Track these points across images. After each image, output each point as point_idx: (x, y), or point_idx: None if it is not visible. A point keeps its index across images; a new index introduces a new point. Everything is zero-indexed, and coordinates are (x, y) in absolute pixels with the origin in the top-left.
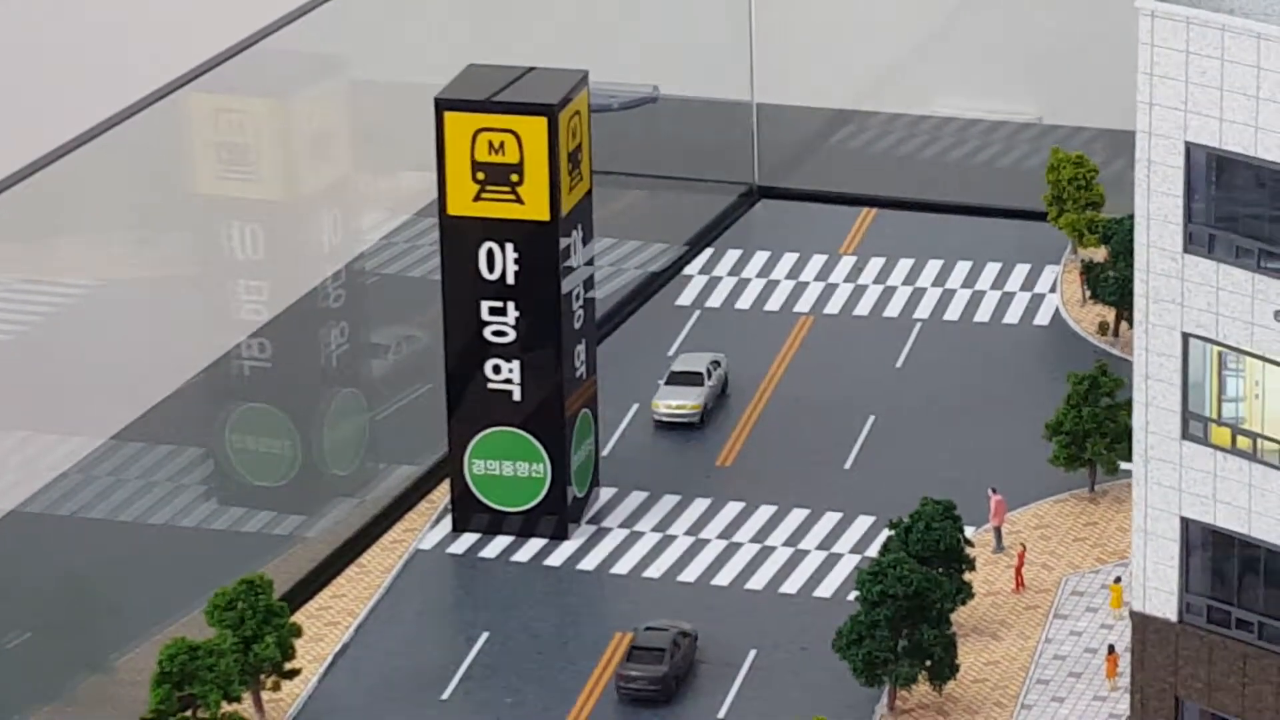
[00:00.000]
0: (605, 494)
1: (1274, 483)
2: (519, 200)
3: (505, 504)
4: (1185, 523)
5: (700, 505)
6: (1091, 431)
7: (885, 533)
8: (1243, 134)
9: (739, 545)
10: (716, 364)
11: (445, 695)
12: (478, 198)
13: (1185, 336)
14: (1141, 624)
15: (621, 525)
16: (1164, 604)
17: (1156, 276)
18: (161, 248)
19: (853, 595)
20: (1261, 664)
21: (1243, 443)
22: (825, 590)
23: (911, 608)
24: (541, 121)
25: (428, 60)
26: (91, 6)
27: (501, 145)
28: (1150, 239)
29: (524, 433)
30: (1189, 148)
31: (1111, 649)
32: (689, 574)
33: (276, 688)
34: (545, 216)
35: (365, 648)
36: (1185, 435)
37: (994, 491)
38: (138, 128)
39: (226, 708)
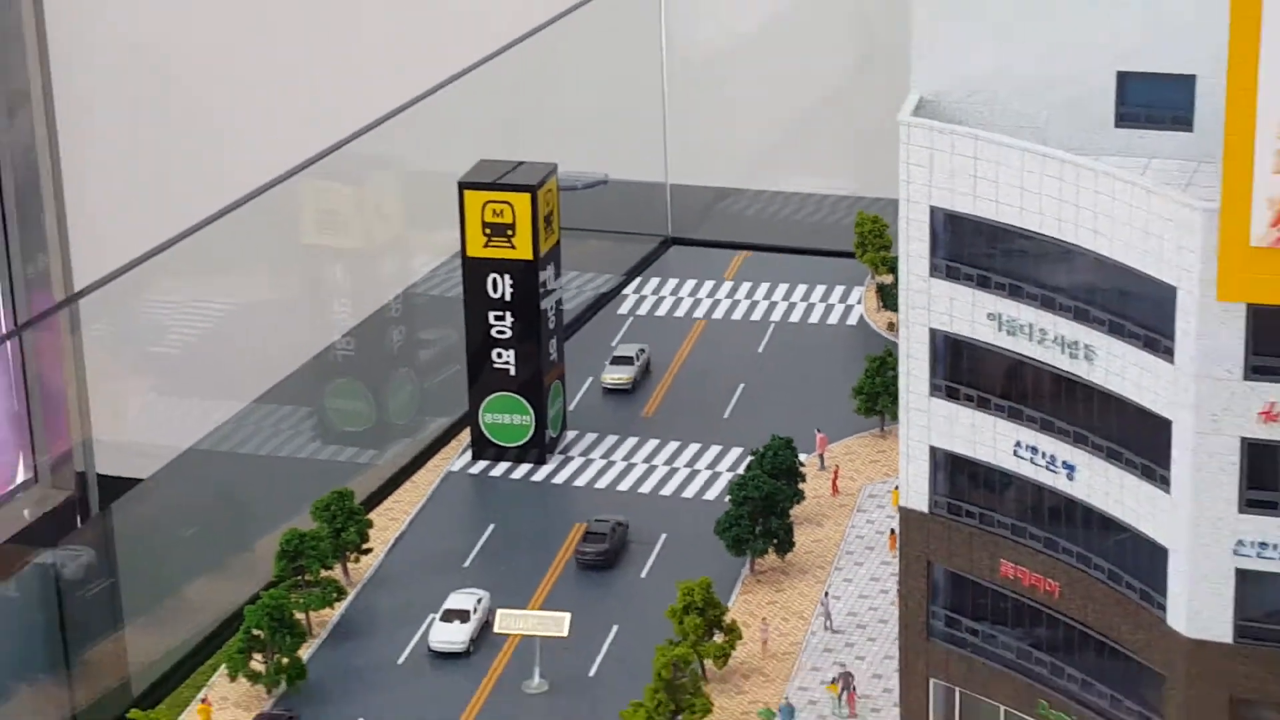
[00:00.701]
0: (570, 435)
1: (986, 423)
2: (513, 246)
3: (505, 442)
4: (932, 450)
5: (631, 442)
6: (881, 392)
7: (749, 458)
8: (966, 200)
9: (656, 467)
10: (643, 351)
11: (465, 564)
12: (486, 245)
13: (931, 331)
14: (906, 515)
15: (580, 455)
16: (919, 502)
17: (913, 292)
18: (284, 278)
19: (727, 498)
20: (981, 540)
21: (966, 396)
22: (710, 495)
23: (764, 506)
24: (527, 196)
25: (452, 157)
26: (239, 122)
27: (501, 211)
28: (910, 268)
29: (518, 396)
30: (932, 209)
31: (893, 531)
32: (623, 485)
33: (356, 561)
34: (530, 257)
35: (414, 535)
36: (931, 393)
37: (819, 431)
38: (270, 200)
39: (324, 574)
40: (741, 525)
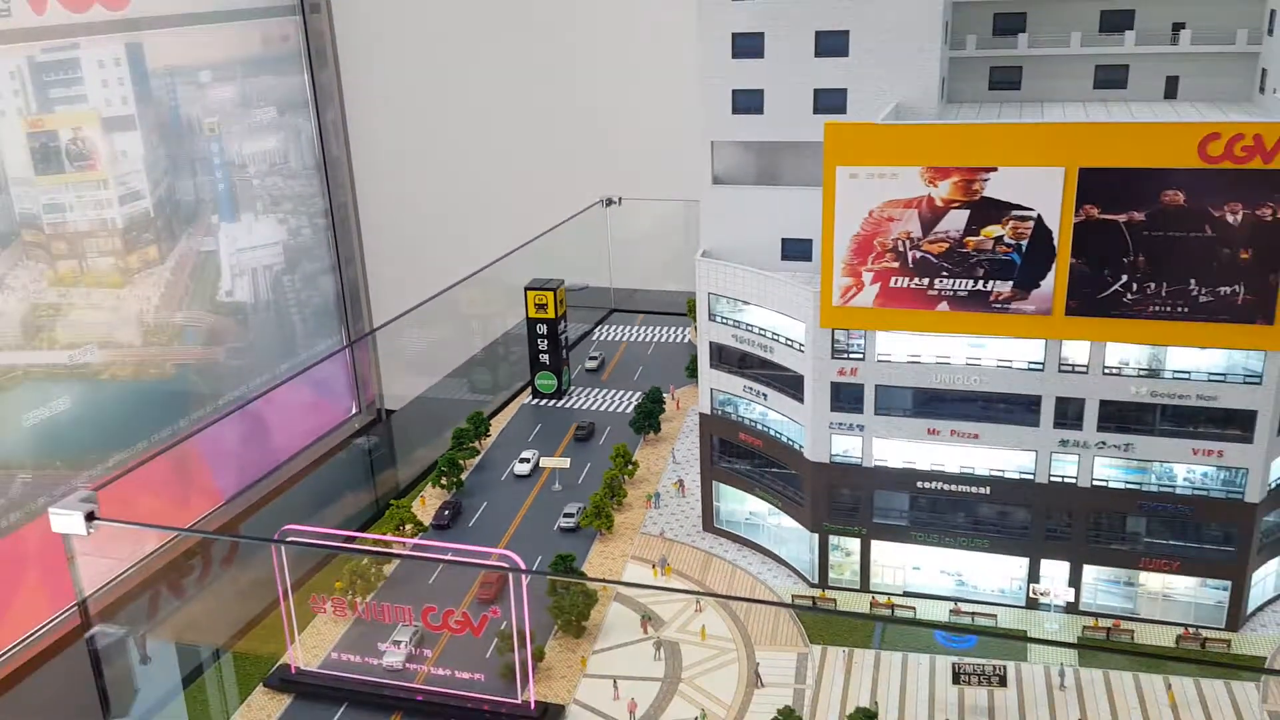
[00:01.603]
0: (573, 390)
1: (732, 379)
2: (548, 314)
3: (546, 391)
4: (710, 389)
5: (599, 390)
6: (694, 368)
7: (639, 397)
8: (723, 288)
9: (608, 400)
10: (602, 355)
11: (529, 439)
12: (536, 313)
13: (710, 342)
14: (702, 415)
15: (577, 397)
16: (708, 409)
17: (704, 325)
18: (461, 323)
19: (634, 410)
20: (731, 423)
21: (723, 369)
22: (628, 411)
23: (648, 414)
24: (552, 294)
25: (519, 277)
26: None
27: (544, 301)
28: (704, 318)
29: (550, 371)
30: (709, 294)
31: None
32: (594, 408)
33: (485, 438)
34: (554, 317)
35: (509, 430)
36: (710, 366)
37: (673, 387)
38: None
39: (471, 445)
40: (639, 422)
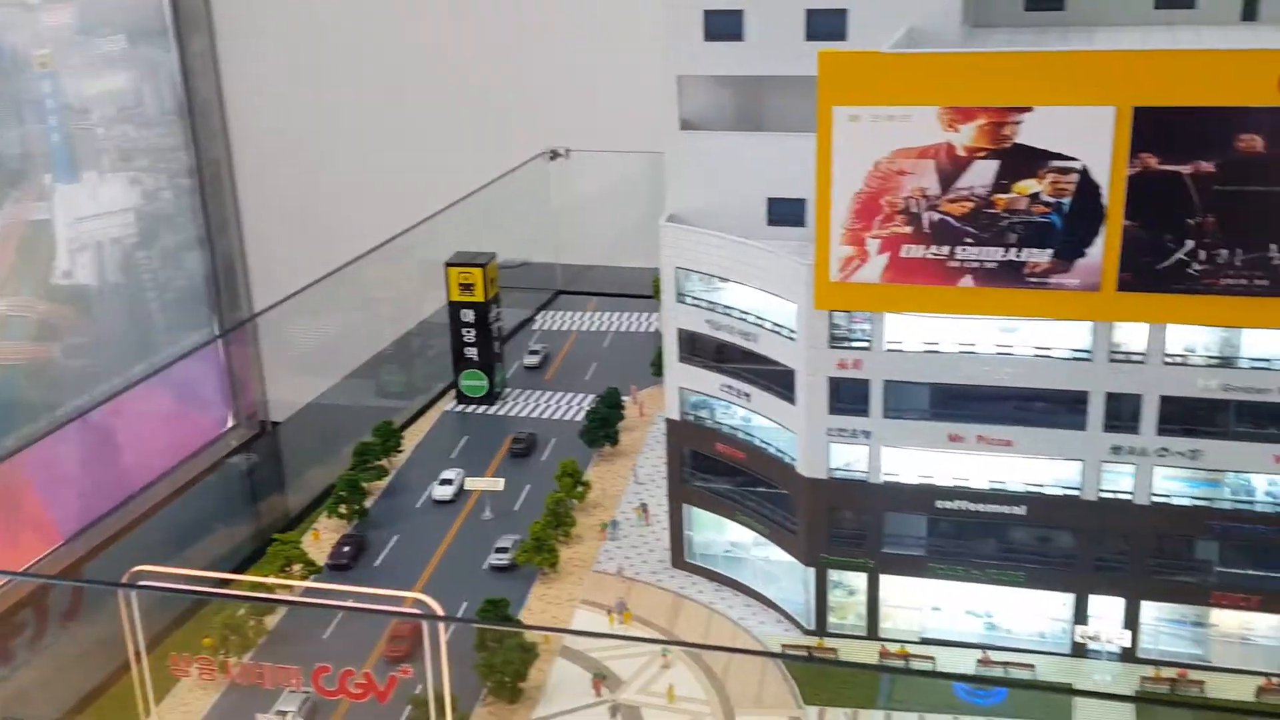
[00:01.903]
0: (507, 390)
1: (705, 374)
2: (476, 296)
3: (473, 395)
4: (679, 387)
5: (538, 393)
6: (661, 362)
7: (594, 399)
8: (694, 263)
9: (550, 405)
10: (545, 348)
11: (452, 456)
12: (460, 294)
13: (678, 329)
14: (670, 422)
15: (513, 401)
16: (675, 414)
17: (669, 310)
18: (361, 311)
19: (585, 419)
20: (706, 433)
21: (696, 363)
22: (578, 418)
23: (604, 422)
24: (480, 270)
25: (440, 251)
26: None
27: (470, 280)
28: (668, 300)
29: (479, 370)
30: (676, 269)
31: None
32: (534, 415)
33: (394, 456)
34: (484, 300)
35: (426, 443)
36: (680, 361)
37: (634, 385)
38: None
39: (377, 463)
40: (592, 434)
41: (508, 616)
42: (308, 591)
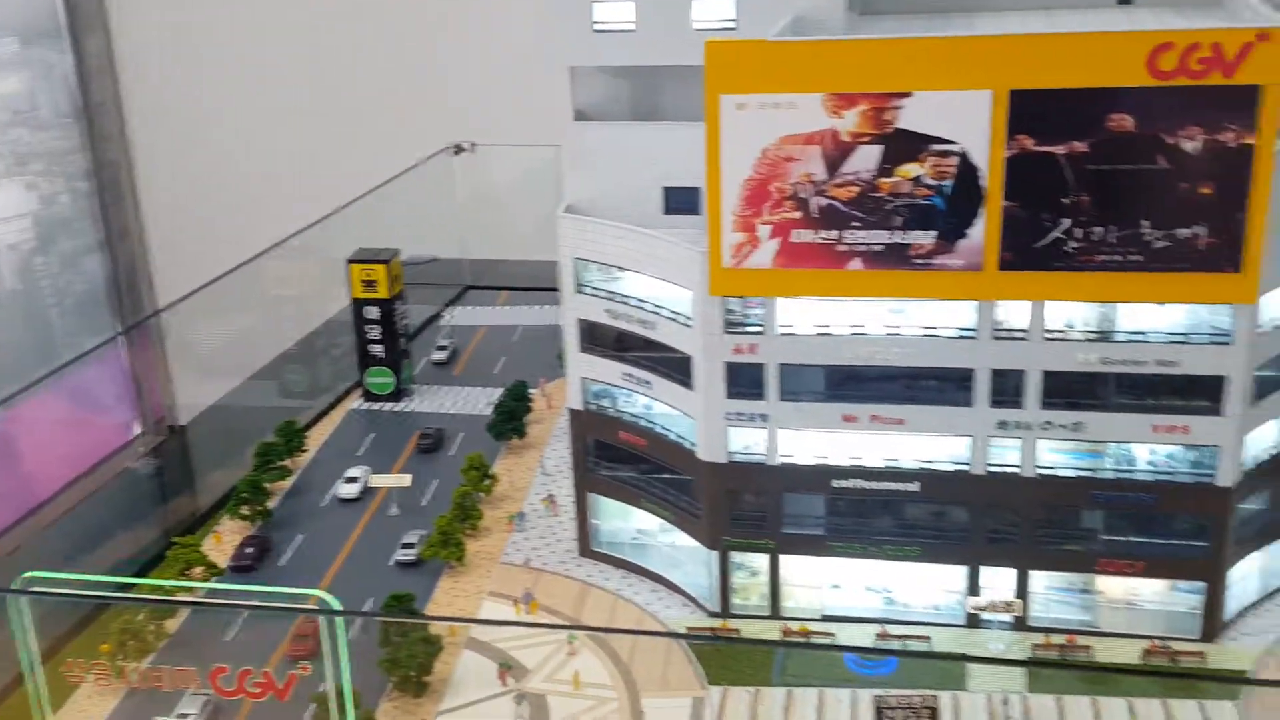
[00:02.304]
0: (414, 387)
1: (607, 364)
2: (380, 293)
3: (381, 392)
4: (581, 377)
5: (449, 388)
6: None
7: (502, 392)
8: (593, 253)
9: (459, 400)
10: (453, 343)
11: (359, 453)
12: (364, 291)
13: (578, 321)
14: (574, 413)
15: (421, 397)
16: (576, 403)
17: (569, 299)
18: (263, 310)
19: (493, 413)
20: (609, 422)
21: (596, 352)
22: (485, 412)
23: (511, 415)
24: (383, 267)
25: (345, 248)
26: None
27: (373, 277)
28: (567, 291)
29: (385, 367)
30: (574, 259)
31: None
32: (442, 410)
33: (299, 455)
34: (388, 296)
35: (331, 441)
36: (581, 351)
37: (543, 380)
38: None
39: (281, 463)
40: (499, 426)
41: (412, 610)
42: (211, 594)
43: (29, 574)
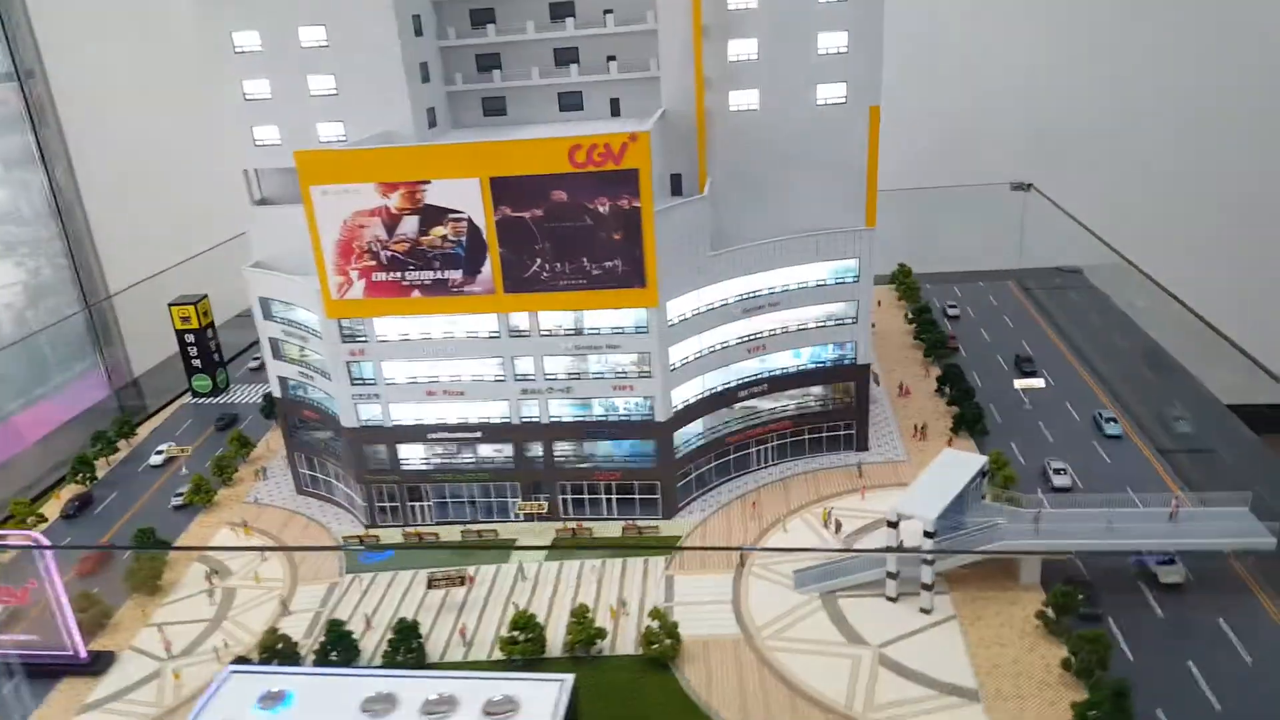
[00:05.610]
0: (235, 387)
1: (292, 368)
2: (193, 325)
3: (202, 390)
4: (278, 377)
5: (261, 386)
6: None
7: None
8: (272, 296)
9: (263, 392)
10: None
11: (178, 433)
12: (182, 325)
13: (269, 339)
14: (277, 400)
15: (238, 393)
16: (279, 393)
17: (261, 328)
18: None
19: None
20: (301, 406)
21: (284, 360)
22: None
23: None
24: (193, 307)
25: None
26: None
27: (188, 315)
28: (260, 319)
29: (204, 375)
30: (260, 299)
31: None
32: (254, 401)
33: (130, 438)
34: (198, 327)
35: (162, 428)
36: (274, 359)
37: None
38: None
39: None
40: (269, 408)
41: (158, 540)
42: None
43: None
